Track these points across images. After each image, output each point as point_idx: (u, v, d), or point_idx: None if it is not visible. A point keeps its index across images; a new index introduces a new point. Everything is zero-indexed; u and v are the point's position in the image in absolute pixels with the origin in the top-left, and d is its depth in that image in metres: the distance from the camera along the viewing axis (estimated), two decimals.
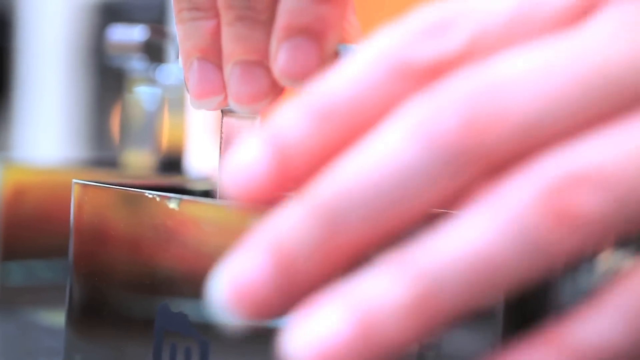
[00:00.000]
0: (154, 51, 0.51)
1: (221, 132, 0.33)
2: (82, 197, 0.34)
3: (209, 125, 1.12)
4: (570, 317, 0.19)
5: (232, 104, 0.30)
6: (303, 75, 0.28)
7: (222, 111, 0.32)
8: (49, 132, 1.67)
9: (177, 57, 0.32)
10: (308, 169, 0.20)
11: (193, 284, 0.29)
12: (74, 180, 0.34)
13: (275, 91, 0.29)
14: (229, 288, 0.19)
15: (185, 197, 0.30)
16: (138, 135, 0.53)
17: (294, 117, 0.20)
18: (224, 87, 0.30)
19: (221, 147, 0.33)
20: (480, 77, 0.20)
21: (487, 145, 0.19)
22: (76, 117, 1.69)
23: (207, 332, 0.29)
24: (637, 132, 0.20)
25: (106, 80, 1.62)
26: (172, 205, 0.30)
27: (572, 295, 0.25)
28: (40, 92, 1.70)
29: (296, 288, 0.19)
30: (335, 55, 0.28)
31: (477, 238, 0.19)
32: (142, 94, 0.53)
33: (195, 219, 0.30)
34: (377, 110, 0.20)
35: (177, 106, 0.54)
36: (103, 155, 1.54)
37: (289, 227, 0.19)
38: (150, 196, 0.31)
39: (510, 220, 0.19)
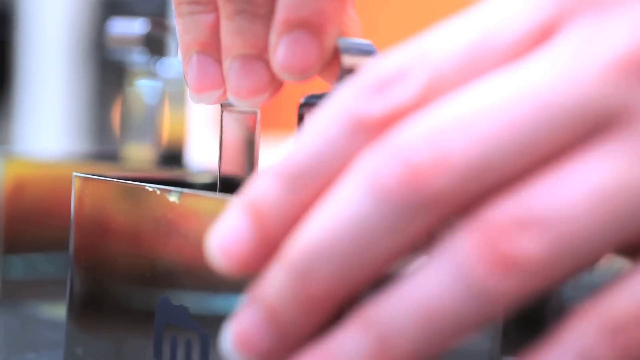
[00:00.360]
0: (155, 44, 0.51)
1: (221, 127, 0.33)
2: (82, 190, 0.34)
3: (209, 119, 1.12)
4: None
5: (232, 98, 0.30)
6: (302, 69, 0.28)
7: (221, 105, 0.32)
8: (50, 125, 1.67)
9: (178, 51, 0.32)
10: (284, 230, 0.22)
11: (193, 277, 0.30)
12: (74, 174, 0.35)
13: (274, 85, 0.29)
14: (231, 338, 0.23)
15: (185, 190, 0.30)
16: (139, 129, 0.53)
17: (264, 185, 0.22)
18: (223, 81, 0.30)
19: (221, 141, 0.33)
20: (422, 125, 0.21)
21: (432, 191, 0.20)
22: (77, 111, 1.69)
23: (207, 325, 0.29)
24: (577, 175, 0.21)
25: (107, 73, 1.62)
26: (173, 198, 0.30)
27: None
28: (41, 86, 1.70)
29: (287, 337, 0.22)
30: (335, 49, 0.28)
31: (427, 292, 0.21)
32: (142, 87, 0.53)
33: (196, 212, 0.30)
34: (338, 166, 0.22)
35: (178, 100, 0.54)
36: (104, 148, 1.54)
37: (268, 285, 0.22)
38: (151, 189, 0.31)
39: (455, 271, 0.20)
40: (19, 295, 0.50)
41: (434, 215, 0.21)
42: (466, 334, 0.21)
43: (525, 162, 0.21)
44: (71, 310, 0.35)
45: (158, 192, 0.31)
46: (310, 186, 0.22)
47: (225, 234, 0.23)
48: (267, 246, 0.22)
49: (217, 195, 0.32)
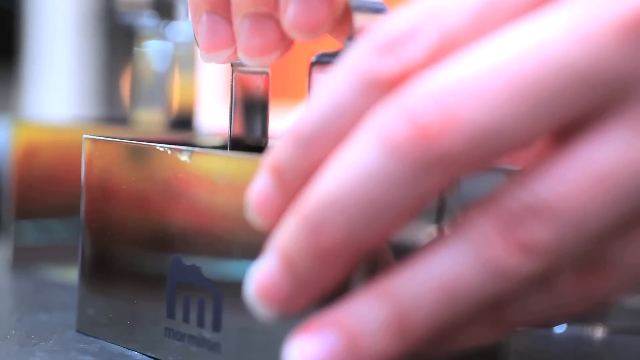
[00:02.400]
0: (164, 8, 0.51)
1: (231, 87, 0.33)
2: (92, 152, 0.34)
3: (220, 84, 1.11)
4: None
5: (242, 57, 0.30)
6: (313, 27, 0.28)
7: (232, 65, 0.32)
8: (59, 92, 1.67)
9: (188, 14, 0.32)
10: (304, 186, 0.23)
11: (205, 236, 0.30)
12: (84, 136, 0.35)
13: (284, 44, 0.29)
14: (252, 286, 0.23)
15: (196, 149, 0.30)
16: (148, 94, 0.53)
17: (283, 146, 0.23)
18: (233, 40, 0.30)
19: (231, 102, 0.32)
20: (431, 84, 0.21)
21: (440, 150, 0.21)
22: (86, 77, 1.69)
23: (220, 283, 0.29)
24: (585, 158, 0.21)
25: (116, 38, 1.61)
26: (184, 157, 0.30)
27: None
28: (50, 51, 1.70)
29: (305, 287, 0.23)
30: (345, 7, 0.28)
31: (447, 270, 0.22)
32: (152, 52, 0.53)
33: (207, 171, 0.30)
34: (351, 124, 0.22)
35: (188, 64, 0.54)
36: (114, 113, 1.54)
37: (285, 236, 0.23)
38: (161, 149, 0.31)
39: (475, 252, 0.22)
40: (31, 259, 0.50)
41: (443, 174, 0.21)
42: (478, 309, 0.22)
43: (535, 128, 0.21)
44: (83, 272, 0.35)
45: (169, 151, 0.31)
46: (325, 144, 0.23)
47: (255, 193, 0.24)
48: (289, 199, 0.23)
49: (229, 153, 0.31)
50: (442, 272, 0.22)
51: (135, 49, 0.52)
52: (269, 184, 0.24)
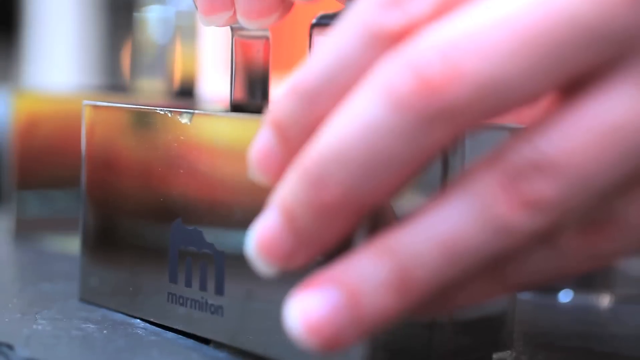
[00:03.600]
0: None
1: (232, 52, 0.32)
2: (93, 119, 0.34)
3: (221, 54, 1.11)
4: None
5: (241, 20, 0.30)
6: None
7: (231, 29, 0.32)
8: (60, 62, 1.66)
9: None
10: (306, 142, 0.23)
11: (206, 201, 0.29)
12: (84, 102, 0.34)
13: (283, 6, 0.29)
14: (253, 241, 0.23)
15: (197, 110, 0.30)
16: (150, 63, 0.53)
17: (285, 100, 0.23)
18: (232, 3, 0.30)
19: (232, 67, 0.32)
20: (436, 37, 0.21)
21: (444, 104, 0.21)
22: (87, 47, 1.68)
23: (222, 248, 0.29)
24: (590, 114, 0.21)
25: (117, 8, 1.61)
26: (184, 120, 0.30)
27: None
28: (51, 22, 1.69)
29: (306, 243, 0.23)
30: None
31: (450, 226, 0.21)
32: (153, 21, 0.52)
33: (208, 133, 0.29)
34: (354, 78, 0.22)
35: (190, 33, 0.53)
36: (115, 83, 1.54)
37: (286, 191, 0.23)
38: (162, 112, 0.31)
39: (478, 208, 0.21)
40: (33, 229, 0.50)
41: (447, 128, 0.21)
42: (481, 266, 0.22)
43: (540, 82, 0.21)
44: (85, 241, 0.35)
45: (169, 114, 0.30)
46: (328, 98, 0.22)
47: (256, 148, 0.24)
48: (292, 155, 0.23)
49: (230, 114, 0.31)
50: (445, 228, 0.21)
51: (136, 15, 0.52)
52: (271, 140, 0.23)
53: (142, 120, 0.32)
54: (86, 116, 0.34)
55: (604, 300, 0.41)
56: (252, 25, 0.30)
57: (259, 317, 0.28)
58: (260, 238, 0.23)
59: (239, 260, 0.27)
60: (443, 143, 0.21)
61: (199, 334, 0.30)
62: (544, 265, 0.23)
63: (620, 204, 0.22)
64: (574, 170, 0.21)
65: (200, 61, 0.55)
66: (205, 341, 0.30)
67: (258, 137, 0.24)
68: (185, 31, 0.53)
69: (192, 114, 0.30)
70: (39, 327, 0.31)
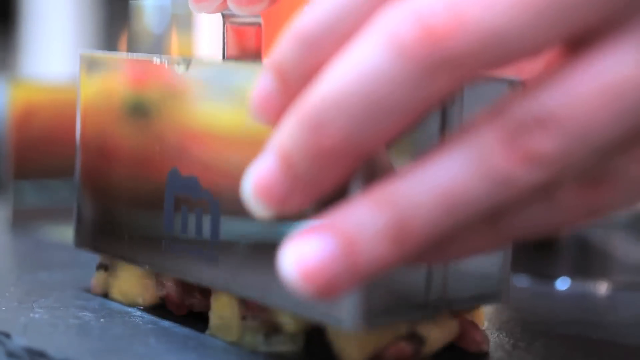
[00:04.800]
0: None
1: (223, 40, 0.32)
2: (88, 70, 0.34)
3: (218, 42, 1.10)
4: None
5: (232, 6, 0.30)
6: None
7: (223, 16, 0.32)
8: (57, 51, 1.66)
9: None
10: (307, 87, 0.22)
11: (202, 148, 0.29)
12: (81, 53, 0.34)
13: None
14: (250, 185, 0.23)
15: (193, 59, 0.30)
16: (146, 53, 0.52)
17: (286, 45, 0.23)
18: None
19: (224, 53, 0.32)
20: None
21: (447, 52, 0.21)
22: (84, 36, 1.68)
23: (217, 195, 0.29)
24: (593, 69, 0.21)
25: None
26: (181, 69, 0.30)
27: None
28: (48, 11, 1.68)
29: (303, 188, 0.22)
30: None
31: (449, 176, 0.21)
32: (149, 11, 0.52)
33: (204, 81, 0.29)
34: (356, 24, 0.22)
35: (186, 23, 0.53)
36: None
37: (285, 134, 0.22)
38: (158, 61, 0.30)
39: (478, 160, 0.21)
40: (30, 219, 0.50)
41: (449, 77, 0.21)
42: (479, 218, 0.22)
43: (544, 35, 0.21)
44: (80, 188, 0.34)
45: (166, 63, 0.30)
46: (329, 44, 0.22)
47: (256, 92, 0.24)
48: (291, 100, 0.23)
49: (226, 62, 0.31)
50: (444, 179, 0.21)
51: (132, 4, 0.51)
52: (271, 84, 0.23)
53: (137, 69, 0.32)
54: (82, 67, 0.34)
55: (602, 288, 0.41)
56: (242, 12, 0.30)
57: (254, 265, 0.28)
58: (257, 181, 0.23)
59: (235, 207, 0.27)
60: (444, 93, 0.21)
61: (194, 282, 0.30)
62: (541, 218, 0.23)
63: (620, 162, 0.22)
64: (575, 126, 0.21)
65: (196, 50, 0.55)
66: (202, 329, 0.30)
67: (258, 81, 0.23)
68: (182, 20, 0.53)
69: (189, 62, 0.30)
70: (36, 315, 0.31)
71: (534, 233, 0.23)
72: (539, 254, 0.42)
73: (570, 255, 0.41)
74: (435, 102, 0.21)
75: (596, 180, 0.23)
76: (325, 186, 0.22)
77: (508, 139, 0.21)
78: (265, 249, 0.27)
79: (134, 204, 0.32)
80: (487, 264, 0.28)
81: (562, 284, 0.41)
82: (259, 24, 0.32)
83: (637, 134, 0.22)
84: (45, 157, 0.51)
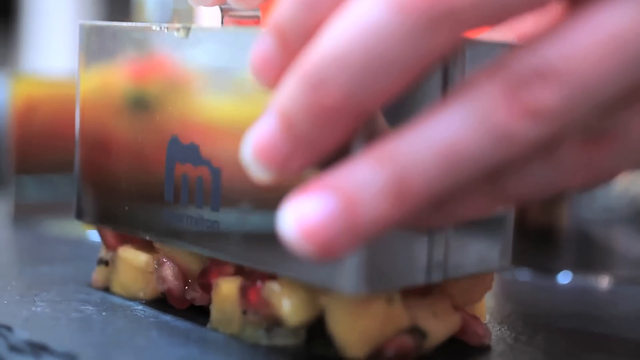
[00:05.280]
0: None
1: None
2: (88, 39, 0.34)
3: None
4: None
5: (230, 0, 0.30)
6: None
7: (221, 10, 0.32)
8: (59, 46, 1.66)
9: None
10: (307, 47, 0.22)
11: (203, 116, 0.29)
12: (80, 23, 0.34)
13: None
14: (250, 147, 0.23)
15: (192, 25, 0.30)
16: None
17: (285, 5, 0.23)
18: None
19: None
20: None
21: (448, 7, 0.20)
22: None
23: (218, 163, 0.29)
24: (593, 22, 0.21)
25: None
26: (181, 34, 0.30)
27: None
28: (49, 5, 1.68)
29: (303, 148, 0.22)
30: None
31: (449, 132, 0.21)
32: (151, 5, 0.52)
33: (204, 47, 0.29)
34: None
35: (187, 17, 0.53)
36: None
37: (285, 95, 0.22)
38: (157, 28, 0.30)
39: (478, 115, 0.21)
40: (31, 213, 0.50)
41: (449, 33, 0.21)
42: (480, 177, 0.22)
43: None
44: (80, 159, 0.34)
45: (165, 30, 0.30)
46: (328, 3, 0.22)
47: (256, 53, 0.23)
48: (292, 62, 0.23)
49: (227, 28, 0.31)
50: (444, 135, 0.21)
51: (135, 2, 0.51)
52: (271, 44, 0.23)
53: (137, 37, 0.31)
54: (82, 36, 0.34)
55: (603, 282, 0.41)
56: (241, 6, 0.30)
57: (255, 232, 0.28)
58: (257, 143, 0.22)
59: (236, 175, 0.27)
60: (444, 49, 0.21)
61: (195, 250, 0.30)
62: (543, 178, 0.23)
63: (622, 117, 0.22)
64: (577, 79, 0.21)
65: None
66: (203, 323, 0.30)
67: (258, 42, 0.23)
68: (183, 14, 0.53)
69: (189, 28, 0.29)
70: (38, 309, 0.31)
71: (535, 194, 0.23)
72: (540, 248, 0.42)
73: (571, 250, 0.41)
74: (436, 58, 0.21)
75: (598, 136, 0.22)
76: (326, 147, 0.22)
77: (509, 93, 0.21)
78: (266, 217, 0.27)
79: (134, 174, 0.32)
80: (489, 231, 0.28)
81: (564, 277, 0.41)
82: (258, 17, 0.31)
83: (638, 89, 0.21)
84: (47, 151, 0.51)
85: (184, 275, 0.32)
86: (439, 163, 0.21)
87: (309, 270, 0.25)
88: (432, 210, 0.23)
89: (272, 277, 0.28)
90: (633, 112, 0.22)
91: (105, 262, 0.34)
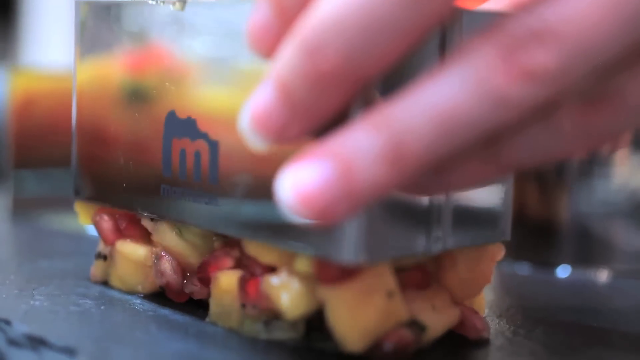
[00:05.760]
0: None
1: None
2: (85, 17, 0.34)
3: None
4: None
5: None
6: None
7: None
8: (58, 40, 1.65)
9: None
10: (304, 14, 0.22)
11: (199, 89, 0.29)
12: (76, 0, 0.34)
13: None
14: (247, 116, 0.22)
15: None
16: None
17: None
18: None
19: None
20: None
21: None
22: None
23: (215, 136, 0.28)
24: None
25: None
26: (177, 7, 0.30)
27: None
28: (48, 1, 1.68)
29: (301, 116, 0.22)
30: None
31: (445, 96, 0.21)
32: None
33: (201, 20, 0.29)
34: None
35: None
36: None
37: (282, 62, 0.22)
38: (153, 2, 0.30)
39: (475, 78, 0.21)
40: (30, 207, 0.50)
41: None
42: (477, 142, 0.21)
43: None
44: (78, 136, 0.34)
45: (161, 3, 0.30)
46: None
47: (253, 21, 0.23)
48: (288, 30, 0.23)
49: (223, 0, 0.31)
50: (441, 100, 0.21)
51: None
52: (267, 12, 0.23)
53: (133, 11, 0.31)
54: (79, 14, 0.34)
55: (602, 276, 0.41)
56: None
57: (254, 203, 0.27)
58: (255, 111, 0.22)
59: (233, 148, 0.27)
60: (442, 13, 0.21)
61: (193, 224, 0.30)
62: (540, 143, 0.23)
63: (620, 81, 0.22)
64: (575, 39, 0.20)
65: None
66: (202, 316, 0.30)
67: (254, 11, 0.23)
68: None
69: (185, 1, 0.29)
70: (37, 303, 0.31)
71: (534, 161, 0.23)
72: (540, 242, 0.42)
73: (571, 243, 0.41)
74: (433, 23, 0.21)
75: (596, 100, 0.22)
76: (323, 114, 0.22)
77: (505, 55, 0.20)
78: (264, 189, 0.26)
79: (132, 150, 0.32)
80: (488, 201, 0.28)
81: (563, 271, 0.41)
82: None
83: (636, 51, 0.21)
84: (46, 145, 0.51)
85: (182, 268, 0.32)
86: (435, 128, 0.21)
87: (308, 241, 0.25)
88: (430, 177, 0.23)
89: (272, 269, 0.28)
90: (631, 74, 0.22)
91: (103, 257, 0.34)
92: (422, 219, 0.26)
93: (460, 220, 0.27)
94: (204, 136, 0.29)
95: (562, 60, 0.20)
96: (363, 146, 0.21)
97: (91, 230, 0.45)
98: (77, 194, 0.34)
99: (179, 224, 0.31)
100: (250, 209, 0.28)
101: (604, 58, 0.21)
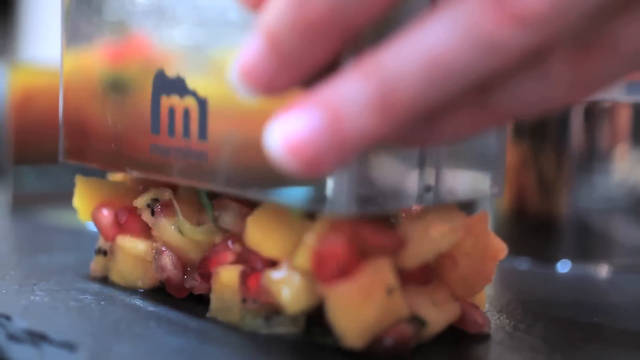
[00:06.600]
0: None
1: None
2: (69, 5, 0.34)
3: None
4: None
5: None
6: None
7: None
8: (57, 36, 1.65)
9: None
10: None
11: (188, 48, 0.29)
12: None
13: None
14: (236, 68, 0.22)
15: None
16: None
17: None
18: None
19: None
20: None
21: None
22: None
23: (204, 93, 0.28)
24: None
25: None
26: None
27: None
28: None
29: (289, 66, 0.22)
30: None
31: (434, 42, 0.20)
32: None
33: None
34: None
35: None
36: None
37: (271, 13, 0.22)
38: None
39: (464, 24, 0.20)
40: (30, 203, 0.50)
41: None
42: (467, 88, 0.21)
43: None
44: (65, 98, 0.34)
45: None
46: None
47: None
48: None
49: None
50: (429, 46, 0.20)
51: None
52: None
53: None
54: (64, 4, 0.34)
55: (602, 271, 0.41)
56: None
57: (243, 160, 0.27)
58: (244, 62, 0.22)
59: (222, 104, 0.27)
60: None
61: (182, 182, 0.30)
62: (532, 91, 0.22)
63: (614, 26, 0.22)
64: None
65: None
66: (202, 311, 0.30)
67: None
68: None
69: None
70: (37, 298, 0.31)
71: (526, 109, 0.23)
72: (540, 237, 0.42)
73: (571, 238, 0.41)
74: None
75: (589, 45, 0.22)
76: (312, 64, 0.22)
77: (494, 1, 0.20)
78: (253, 144, 0.26)
79: (119, 110, 0.32)
80: (481, 154, 0.28)
81: (563, 266, 0.41)
82: None
83: None
84: (45, 141, 0.51)
85: (182, 263, 0.31)
86: (424, 75, 0.21)
87: (299, 194, 0.25)
88: (421, 127, 0.22)
89: (273, 264, 0.28)
90: (623, 20, 0.22)
91: (103, 252, 0.34)
92: (414, 171, 0.26)
93: (453, 174, 0.27)
94: (193, 93, 0.29)
95: (553, 4, 0.20)
96: (352, 94, 0.21)
97: (91, 226, 0.45)
98: (66, 157, 0.34)
99: (168, 181, 0.31)
100: (239, 164, 0.27)
101: (596, 1, 0.20)
